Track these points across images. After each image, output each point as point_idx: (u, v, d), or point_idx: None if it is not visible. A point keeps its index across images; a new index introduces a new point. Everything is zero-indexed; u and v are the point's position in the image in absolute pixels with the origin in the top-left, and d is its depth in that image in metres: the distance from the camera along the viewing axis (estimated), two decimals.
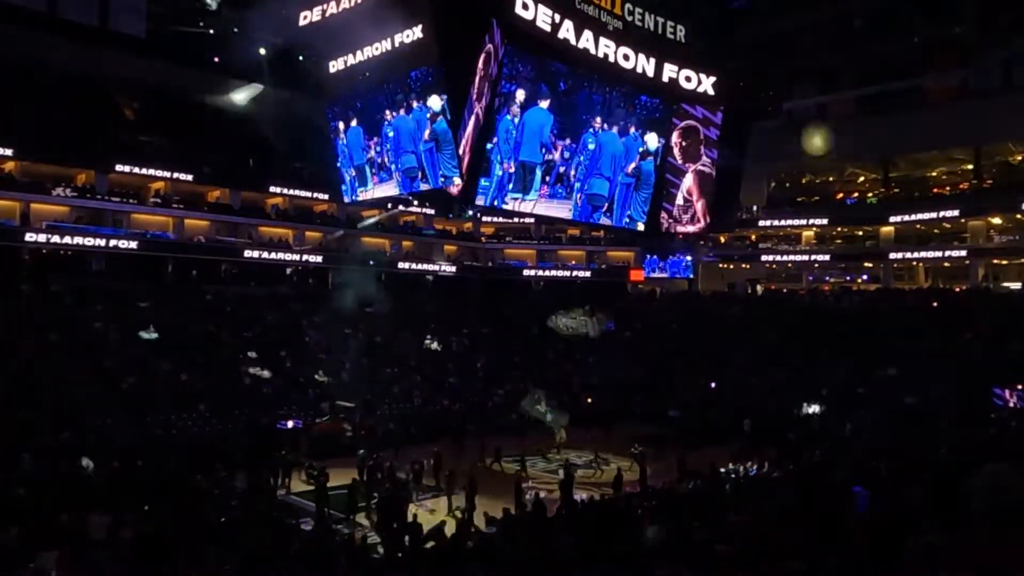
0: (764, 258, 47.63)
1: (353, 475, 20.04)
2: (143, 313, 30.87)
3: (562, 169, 16.63)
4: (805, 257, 46.53)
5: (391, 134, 16.09)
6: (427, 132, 15.03)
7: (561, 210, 17.21)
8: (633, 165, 17.98)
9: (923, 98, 41.61)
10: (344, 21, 15.32)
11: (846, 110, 44.08)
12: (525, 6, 14.73)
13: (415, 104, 15.20)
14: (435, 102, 14.71)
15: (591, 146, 16.96)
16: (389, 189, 16.91)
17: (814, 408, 29.90)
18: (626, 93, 17.42)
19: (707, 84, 18.41)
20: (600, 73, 16.65)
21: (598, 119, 16.96)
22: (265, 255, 38.54)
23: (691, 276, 48.25)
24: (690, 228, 20.59)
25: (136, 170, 35.32)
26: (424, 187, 15.92)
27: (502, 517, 13.34)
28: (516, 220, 46.20)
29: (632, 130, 17.78)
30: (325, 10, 15.61)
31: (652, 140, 18.32)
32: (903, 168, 45.43)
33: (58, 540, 8.57)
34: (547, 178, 16.37)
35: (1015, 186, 38.86)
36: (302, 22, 16.21)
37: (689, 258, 47.09)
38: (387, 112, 15.98)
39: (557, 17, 15.39)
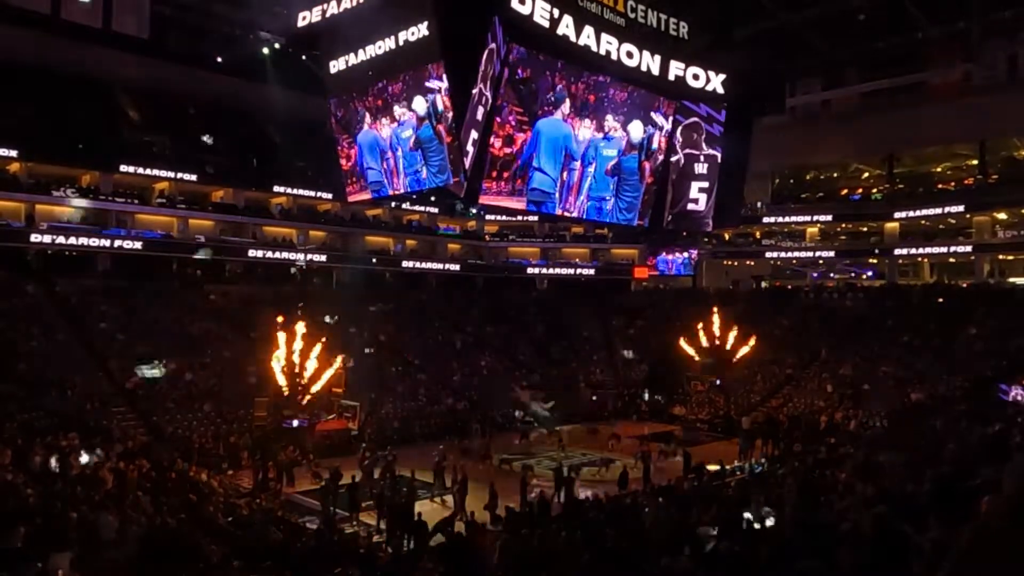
0: (768, 254, 47.56)
1: (354, 473, 20.05)
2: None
3: (517, 163, 15.61)
4: (809, 253, 46.42)
5: (364, 146, 16.31)
6: (412, 141, 14.99)
7: (515, 203, 16.36)
8: (613, 163, 16.96)
9: (927, 93, 41.44)
10: (346, 21, 15.29)
11: (850, 105, 43.94)
12: (522, 1, 14.59)
13: (395, 115, 15.24)
14: (420, 105, 14.57)
15: (539, 137, 15.72)
16: (364, 195, 17.42)
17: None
18: (594, 84, 16.33)
19: (716, 82, 18.10)
20: (601, 71, 16.41)
21: (559, 110, 15.83)
22: (269, 254, 38.65)
23: (694, 273, 48.12)
24: (694, 225, 20.56)
25: (140, 170, 35.39)
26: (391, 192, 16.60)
27: (506, 515, 13.38)
28: (520, 218, 46.22)
29: (609, 124, 16.66)
30: (325, 10, 15.57)
31: (636, 130, 17.11)
32: (907, 164, 45.25)
33: (67, 540, 8.61)
34: (504, 173, 15.50)
35: (1020, 181, 38.67)
36: (300, 23, 16.15)
37: (686, 254, 46.78)
38: (362, 125, 16.12)
39: (556, 12, 15.23)
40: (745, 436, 26.17)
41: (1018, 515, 2.66)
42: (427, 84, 14.42)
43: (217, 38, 37.42)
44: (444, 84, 14.18)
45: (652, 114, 17.65)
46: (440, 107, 14.26)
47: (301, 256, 39.56)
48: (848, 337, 34.93)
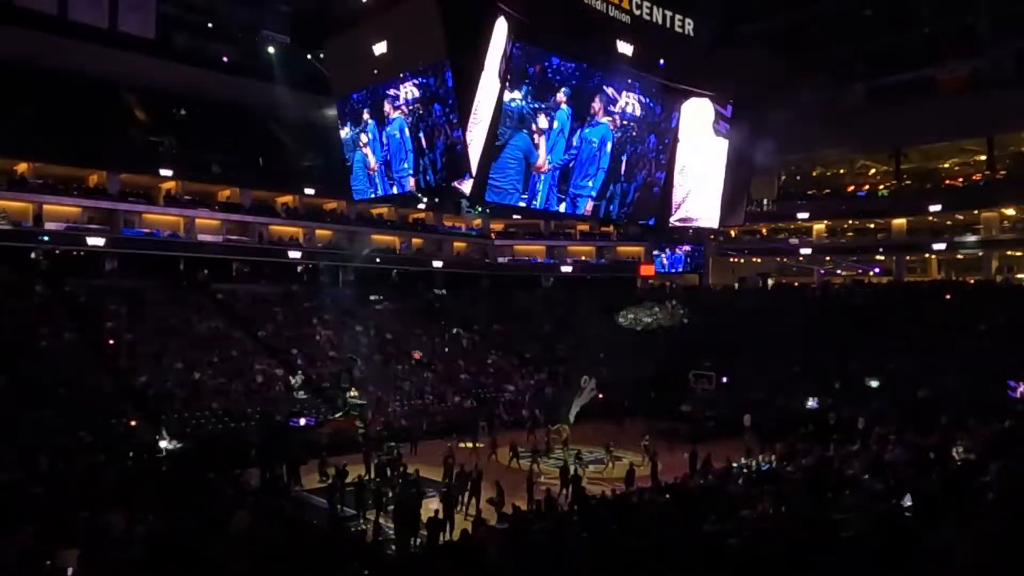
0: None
1: (360, 472, 20.03)
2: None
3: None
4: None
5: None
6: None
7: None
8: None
9: (935, 89, 41.21)
10: (349, 19, 15.32)
11: (857, 102, 43.73)
12: None
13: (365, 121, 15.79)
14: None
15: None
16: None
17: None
18: (534, 54, 14.98)
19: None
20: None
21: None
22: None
23: (697, 270, 47.97)
24: (700, 222, 20.49)
25: (147, 170, 35.48)
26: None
27: (512, 513, 13.35)
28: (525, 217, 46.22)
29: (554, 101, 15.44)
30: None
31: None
32: (915, 160, 45.02)
33: (75, 539, 8.65)
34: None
35: None
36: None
37: (687, 248, 46.56)
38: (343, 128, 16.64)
39: None
40: (749, 434, 26.05)
41: (1015, 512, 2.64)
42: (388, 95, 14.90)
43: (223, 38, 37.53)
44: (412, 94, 14.48)
45: (606, 87, 16.47)
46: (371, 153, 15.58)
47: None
48: (855, 334, 34.75)
